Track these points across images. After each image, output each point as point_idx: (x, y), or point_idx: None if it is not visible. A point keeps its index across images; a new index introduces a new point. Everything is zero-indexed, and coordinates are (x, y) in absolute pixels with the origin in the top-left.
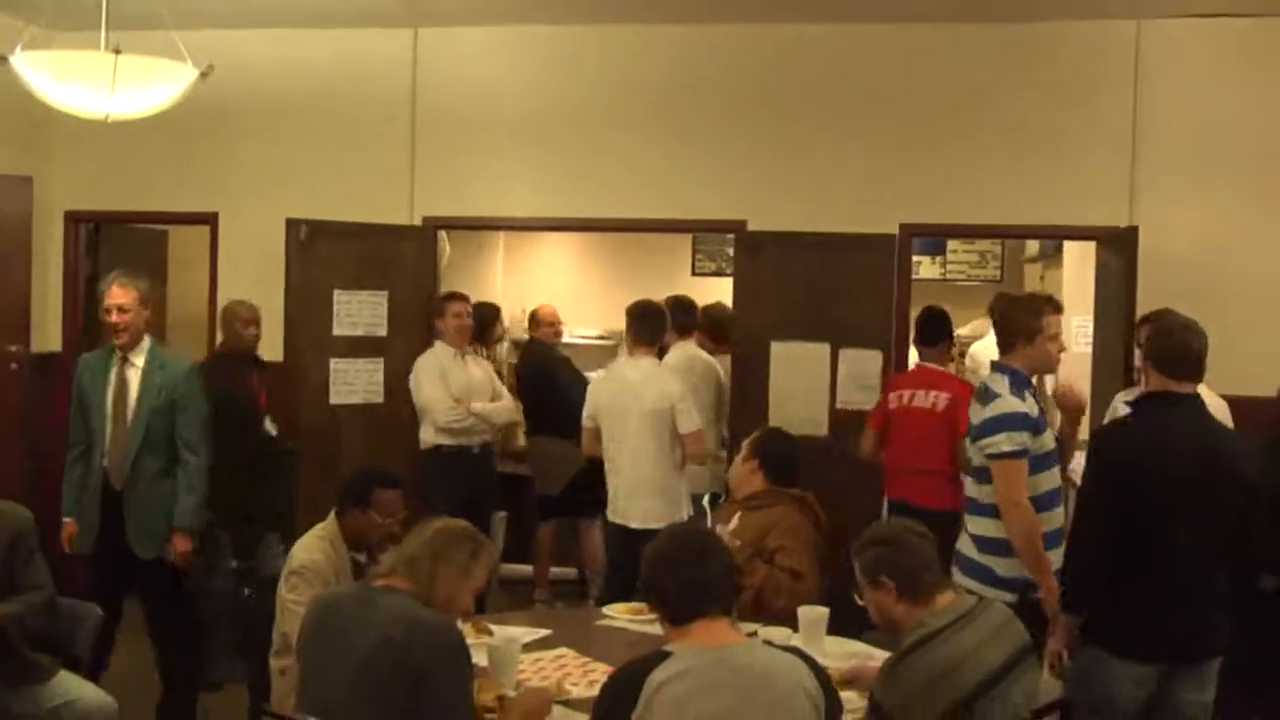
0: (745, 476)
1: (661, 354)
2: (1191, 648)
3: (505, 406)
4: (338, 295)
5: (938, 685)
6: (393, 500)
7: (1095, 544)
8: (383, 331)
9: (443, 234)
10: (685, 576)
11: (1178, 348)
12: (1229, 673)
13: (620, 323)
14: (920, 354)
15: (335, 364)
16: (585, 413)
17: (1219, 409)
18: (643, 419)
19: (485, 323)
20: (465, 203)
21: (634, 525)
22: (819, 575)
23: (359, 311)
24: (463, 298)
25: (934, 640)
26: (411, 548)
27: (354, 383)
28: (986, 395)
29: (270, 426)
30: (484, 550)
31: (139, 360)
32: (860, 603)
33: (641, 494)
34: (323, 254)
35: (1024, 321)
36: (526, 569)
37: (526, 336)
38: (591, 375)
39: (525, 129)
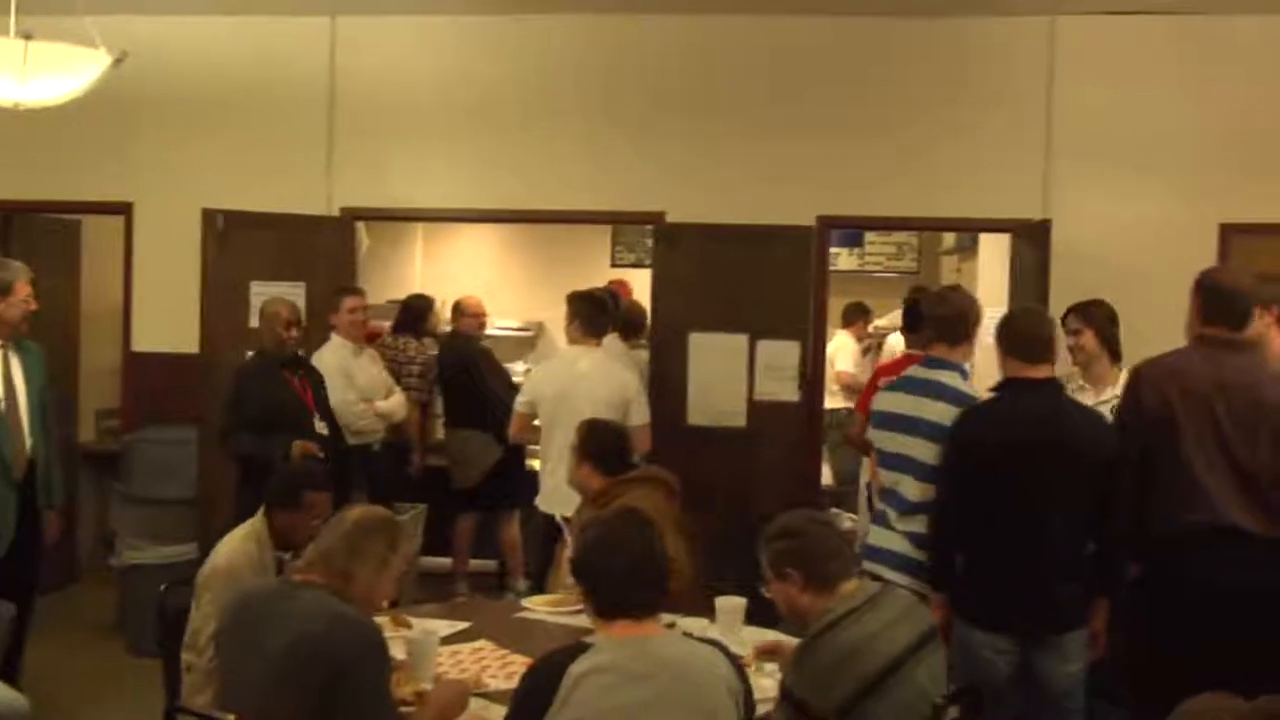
0: (584, 481)
1: None
2: (1041, 619)
3: (400, 402)
4: (255, 287)
5: (843, 668)
6: (323, 503)
7: (953, 522)
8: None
9: (360, 225)
10: (626, 570)
11: (1030, 335)
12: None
13: (539, 313)
14: (906, 341)
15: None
16: (523, 398)
17: None
18: (596, 409)
19: (419, 315)
20: (384, 193)
21: (565, 513)
22: (688, 552)
23: None
24: (357, 292)
25: (839, 625)
26: (327, 542)
27: None
28: (961, 398)
29: (321, 426)
30: (401, 540)
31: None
32: (767, 595)
33: None
34: (239, 245)
35: (977, 315)
36: (445, 561)
37: (449, 328)
38: (516, 366)
39: (444, 119)
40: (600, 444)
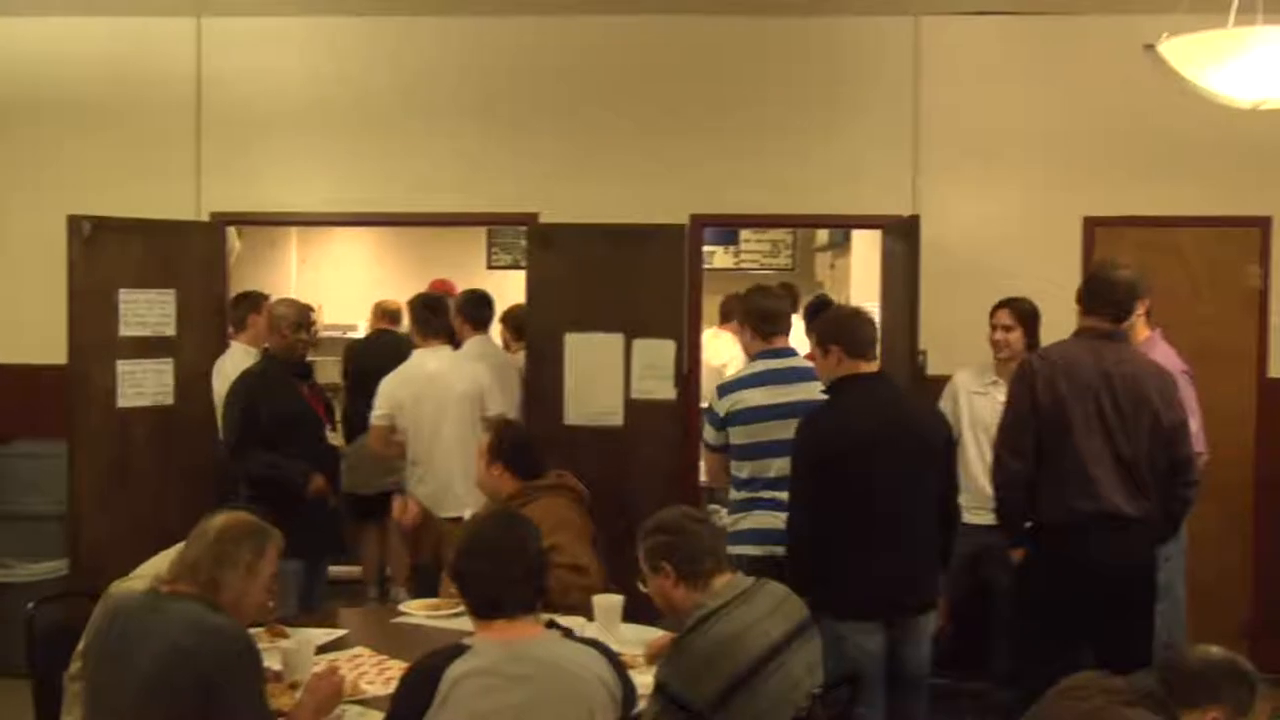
0: (495, 483)
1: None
2: (905, 602)
3: None
4: (123, 294)
5: (718, 660)
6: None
7: (803, 524)
8: (171, 331)
9: (232, 230)
10: (497, 569)
11: (863, 335)
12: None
13: None
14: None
15: (122, 366)
16: (380, 411)
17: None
18: (458, 405)
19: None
20: (255, 197)
21: (447, 514)
22: (599, 560)
23: (146, 311)
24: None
25: (712, 618)
26: (194, 552)
27: (143, 385)
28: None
29: (333, 437)
30: (270, 545)
31: None
32: (644, 589)
33: (455, 482)
34: (107, 252)
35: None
36: (356, 570)
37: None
38: None
39: (315, 122)
40: (515, 447)
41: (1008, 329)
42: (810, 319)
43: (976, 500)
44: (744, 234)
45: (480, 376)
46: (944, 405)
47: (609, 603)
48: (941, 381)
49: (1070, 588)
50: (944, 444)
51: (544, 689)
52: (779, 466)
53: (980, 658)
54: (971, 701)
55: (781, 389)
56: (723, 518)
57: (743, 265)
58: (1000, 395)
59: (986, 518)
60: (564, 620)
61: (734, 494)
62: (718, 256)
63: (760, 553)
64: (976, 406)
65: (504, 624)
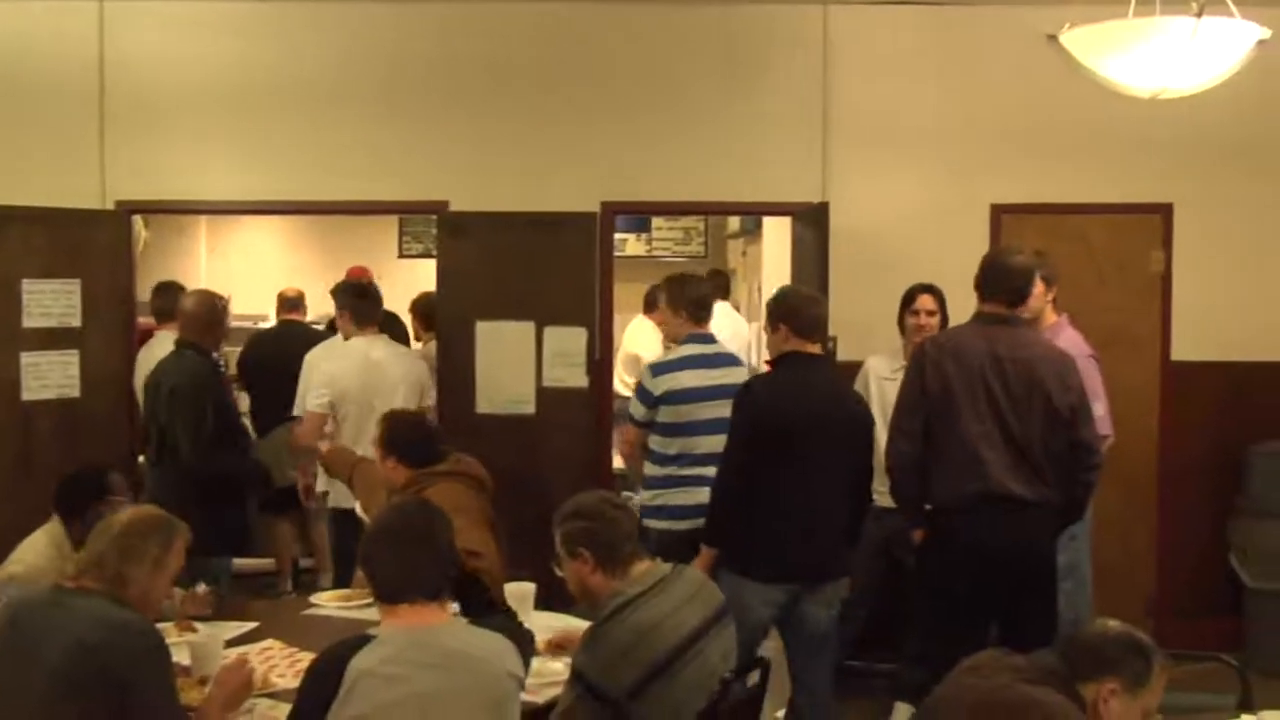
0: (389, 474)
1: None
2: (813, 571)
3: None
4: (26, 285)
5: (636, 649)
6: (121, 482)
7: (733, 484)
8: (76, 322)
9: (138, 218)
10: (405, 556)
11: (813, 315)
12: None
13: (329, 307)
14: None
15: (26, 358)
16: (320, 398)
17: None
18: (401, 395)
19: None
20: (161, 185)
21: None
22: (497, 545)
23: (51, 302)
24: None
25: (630, 606)
26: (99, 546)
27: (47, 377)
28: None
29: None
30: (178, 538)
31: None
32: (559, 574)
33: None
34: (9, 241)
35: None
36: (268, 562)
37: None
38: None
39: (224, 108)
40: (404, 436)
41: (931, 313)
42: (647, 303)
43: (887, 484)
44: (656, 222)
45: (422, 369)
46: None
47: (521, 591)
48: (852, 367)
49: (964, 570)
50: (867, 429)
51: (449, 678)
52: (708, 445)
53: (893, 639)
54: (885, 681)
55: (711, 372)
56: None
57: (655, 253)
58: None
59: None
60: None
61: (655, 470)
62: (630, 244)
63: (685, 527)
64: (887, 392)
65: (410, 610)
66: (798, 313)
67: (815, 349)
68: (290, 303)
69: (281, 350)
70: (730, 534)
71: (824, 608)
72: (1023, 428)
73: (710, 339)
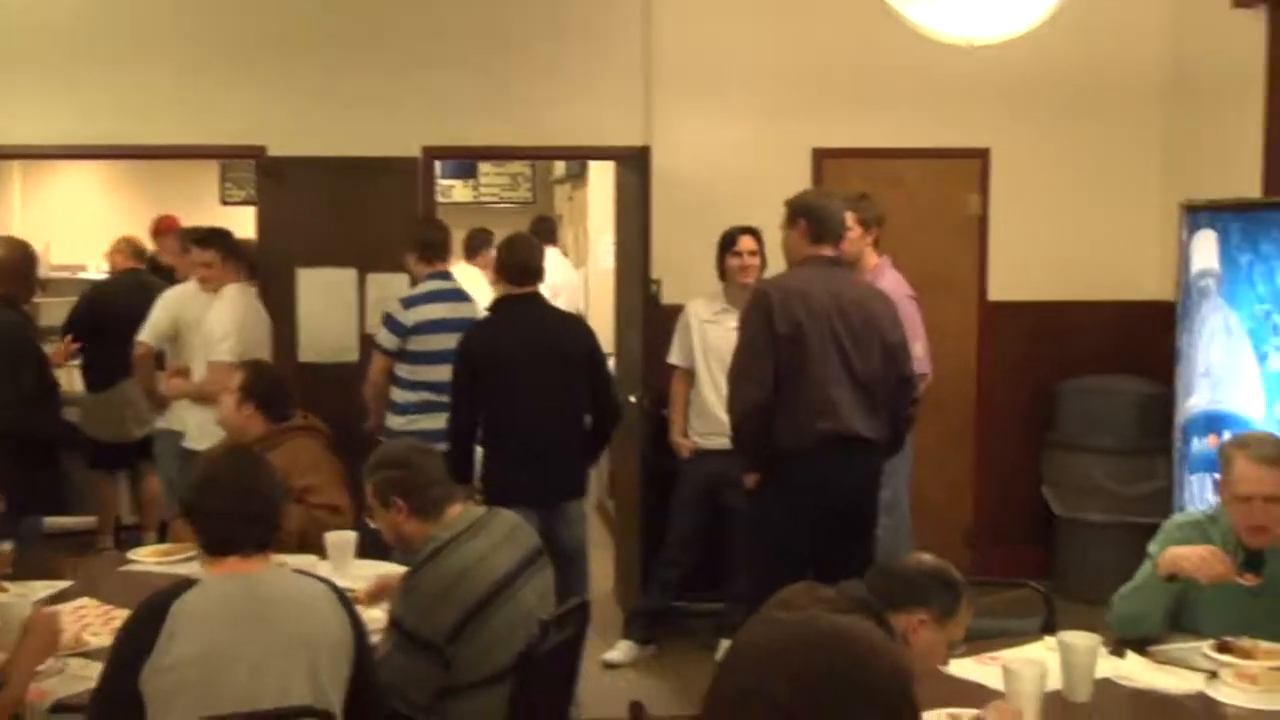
0: (243, 423)
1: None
2: (553, 493)
3: None
4: None
5: (451, 592)
6: None
7: (464, 421)
8: None
9: None
10: (236, 506)
11: (527, 263)
12: None
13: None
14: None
15: None
16: (233, 349)
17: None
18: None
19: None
20: None
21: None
22: (351, 499)
23: None
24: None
25: (445, 550)
26: None
27: None
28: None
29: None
30: None
31: None
32: (372, 525)
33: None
34: None
35: None
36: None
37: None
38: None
39: (35, 50)
40: (267, 388)
41: (752, 254)
42: (468, 249)
43: (710, 427)
44: (483, 167)
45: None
46: (678, 334)
47: (342, 540)
48: (675, 311)
49: (805, 510)
50: (586, 355)
51: (269, 623)
52: (448, 373)
53: (718, 580)
54: (710, 622)
55: (453, 305)
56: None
57: (482, 199)
58: (731, 322)
59: (719, 443)
60: (294, 559)
61: (408, 396)
62: (457, 190)
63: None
64: (709, 335)
65: (236, 561)
66: (516, 262)
67: (528, 290)
68: (140, 253)
69: (125, 301)
70: (472, 467)
71: (570, 525)
72: (865, 367)
73: (448, 275)
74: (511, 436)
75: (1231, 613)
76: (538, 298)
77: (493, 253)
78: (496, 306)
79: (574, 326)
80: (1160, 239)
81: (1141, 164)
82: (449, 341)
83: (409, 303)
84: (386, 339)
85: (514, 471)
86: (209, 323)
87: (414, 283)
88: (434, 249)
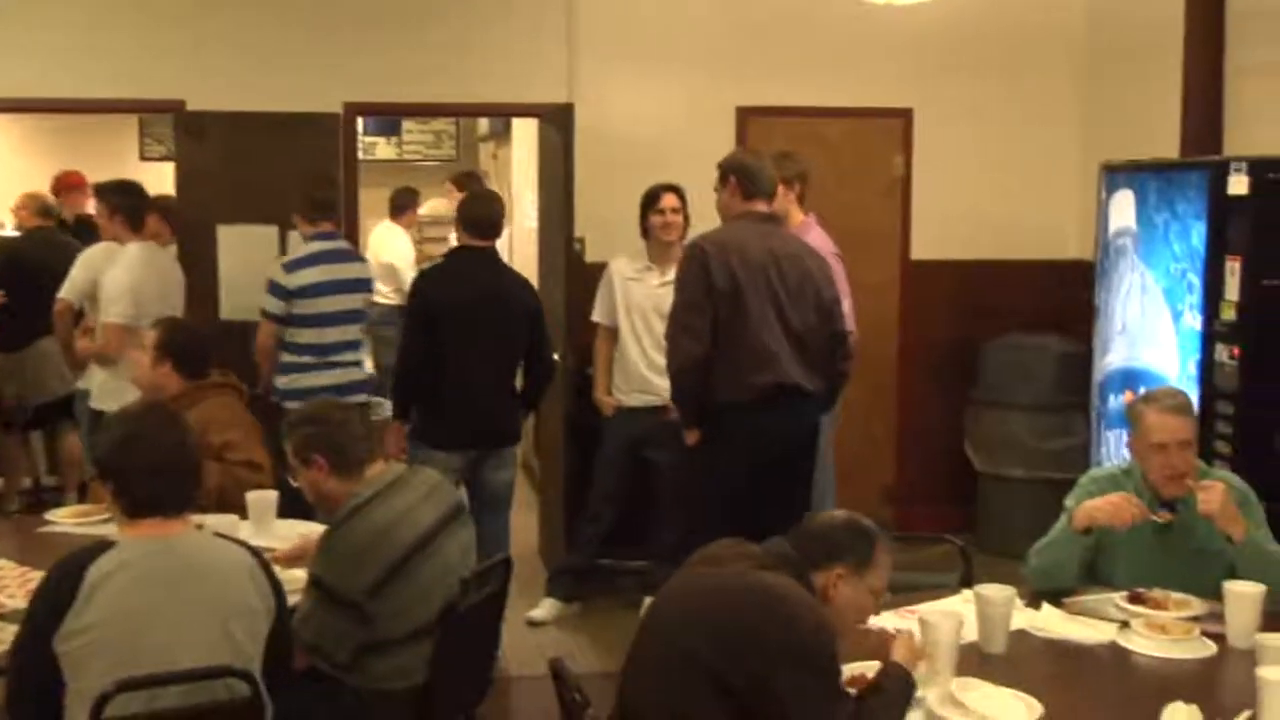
0: (160, 381)
1: None
2: (486, 438)
3: None
4: None
5: (372, 549)
6: None
7: (410, 366)
8: None
9: None
10: (159, 466)
11: (488, 216)
12: None
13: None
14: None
15: None
16: (128, 311)
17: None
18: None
19: None
20: None
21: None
22: (270, 456)
23: None
24: None
25: (366, 507)
26: None
27: None
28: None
29: None
30: None
31: None
32: (295, 484)
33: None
34: None
35: None
36: None
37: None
38: None
39: None
40: (185, 346)
41: (676, 211)
42: (393, 208)
43: (633, 384)
44: (407, 125)
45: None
46: (601, 292)
47: (262, 499)
48: (598, 269)
49: (745, 461)
50: (531, 312)
51: (188, 586)
52: (335, 334)
53: (642, 537)
54: (634, 579)
55: (337, 266)
56: (385, 410)
57: (406, 156)
58: (653, 280)
59: (643, 400)
60: (214, 520)
61: (293, 358)
62: (380, 147)
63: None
64: (632, 292)
65: (156, 522)
66: (476, 215)
67: (485, 243)
68: (48, 209)
69: (37, 258)
70: (413, 409)
71: (499, 470)
72: (801, 321)
73: (335, 235)
74: (454, 381)
75: (1144, 565)
76: (493, 252)
77: (417, 212)
78: (453, 255)
79: (523, 284)
80: (1081, 199)
81: (1063, 125)
82: (335, 304)
83: (291, 266)
84: (273, 305)
85: (452, 417)
86: (105, 284)
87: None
88: (320, 208)
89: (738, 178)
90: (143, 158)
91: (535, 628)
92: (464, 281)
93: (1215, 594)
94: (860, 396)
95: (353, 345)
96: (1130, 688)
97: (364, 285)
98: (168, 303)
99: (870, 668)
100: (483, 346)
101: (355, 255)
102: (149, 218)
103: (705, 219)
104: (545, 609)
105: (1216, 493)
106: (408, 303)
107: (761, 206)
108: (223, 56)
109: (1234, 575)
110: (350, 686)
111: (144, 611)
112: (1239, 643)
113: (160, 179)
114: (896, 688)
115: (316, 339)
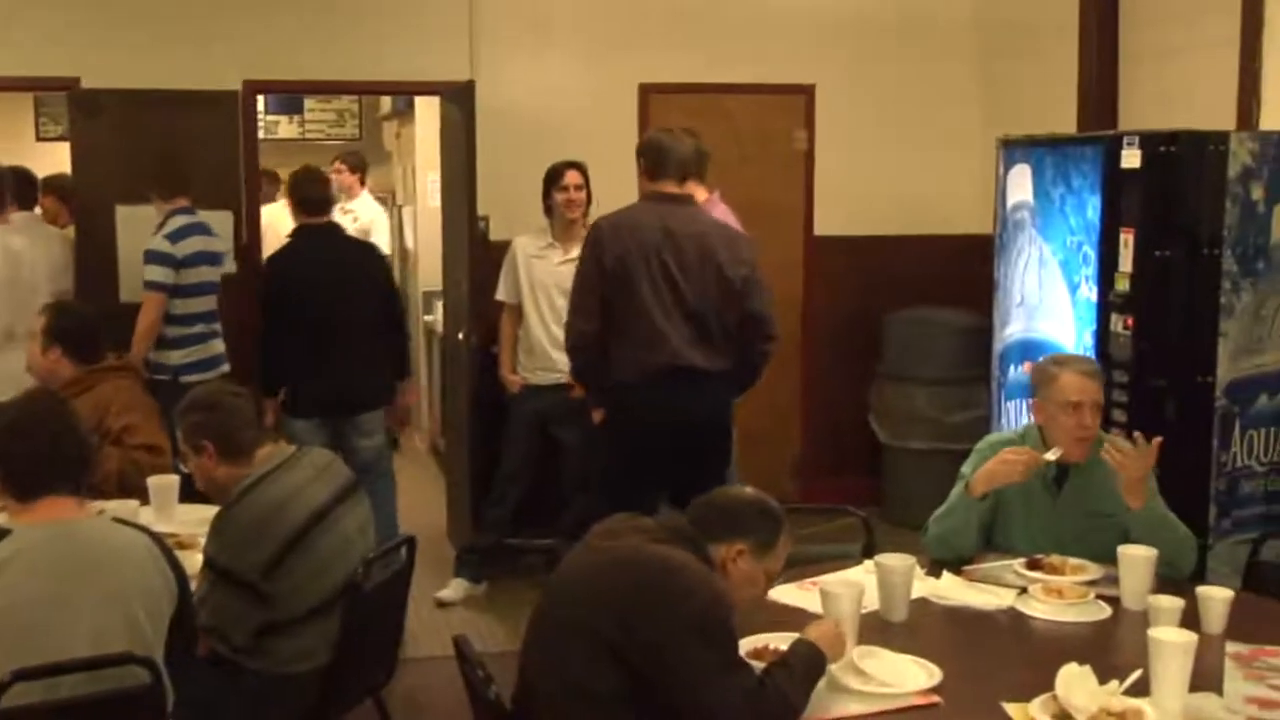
0: (51, 368)
1: None
2: (346, 406)
3: None
4: None
5: (265, 525)
6: None
7: (271, 341)
8: None
9: None
10: (38, 448)
11: (310, 193)
12: None
13: None
14: None
15: None
16: None
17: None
18: (50, 284)
19: None
20: None
21: None
22: (170, 439)
23: None
24: None
25: (256, 488)
26: None
27: None
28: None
29: None
30: None
31: None
32: (186, 470)
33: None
34: None
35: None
36: None
37: None
38: None
39: None
40: (74, 330)
41: (579, 188)
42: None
43: (538, 362)
44: (309, 103)
45: (67, 256)
46: (505, 271)
47: (164, 484)
48: (502, 247)
49: (645, 443)
50: (382, 282)
51: (86, 573)
52: (210, 303)
53: (548, 514)
54: (541, 558)
55: (210, 239)
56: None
57: (309, 135)
58: (556, 257)
59: (548, 378)
60: (114, 506)
61: (183, 330)
62: (282, 126)
63: (215, 375)
64: (535, 270)
65: (49, 505)
66: (302, 193)
67: (319, 220)
68: None
69: None
70: (277, 382)
71: (366, 437)
72: (698, 300)
73: (193, 210)
74: (311, 351)
75: (1039, 530)
76: (334, 226)
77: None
78: (296, 233)
79: (368, 252)
80: (980, 174)
81: (962, 100)
82: (212, 274)
83: (176, 236)
84: (163, 274)
85: (310, 384)
86: None
87: (161, 219)
88: (178, 183)
89: (644, 158)
90: (39, 138)
91: (444, 608)
92: (311, 255)
93: (1107, 556)
94: (765, 371)
95: (217, 316)
96: (1028, 651)
97: (224, 258)
98: (41, 291)
99: (775, 639)
100: (338, 315)
101: (209, 229)
102: (44, 199)
103: (609, 196)
104: (453, 589)
105: (1150, 459)
106: (263, 284)
107: (670, 187)
108: (119, 32)
109: (1126, 539)
110: (251, 670)
111: (43, 600)
112: (1132, 605)
113: (58, 159)
114: (803, 667)
115: (205, 307)
